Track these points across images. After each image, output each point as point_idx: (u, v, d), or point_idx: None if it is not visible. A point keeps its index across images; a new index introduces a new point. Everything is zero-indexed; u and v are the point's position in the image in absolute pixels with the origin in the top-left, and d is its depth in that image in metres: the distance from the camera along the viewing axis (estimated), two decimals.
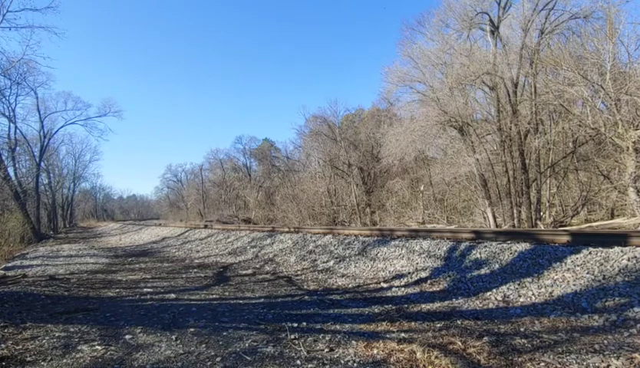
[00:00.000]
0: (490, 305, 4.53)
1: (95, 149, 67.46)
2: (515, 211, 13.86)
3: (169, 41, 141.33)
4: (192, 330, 3.91)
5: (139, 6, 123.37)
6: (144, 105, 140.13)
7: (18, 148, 28.73)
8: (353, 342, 3.38)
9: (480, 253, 5.97)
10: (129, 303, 5.38)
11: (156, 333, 3.83)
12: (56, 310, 4.98)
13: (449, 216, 18.52)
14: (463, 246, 6.44)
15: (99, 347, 3.43)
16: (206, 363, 2.99)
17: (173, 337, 3.66)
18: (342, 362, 2.93)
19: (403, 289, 5.71)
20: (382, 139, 19.59)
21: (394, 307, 4.71)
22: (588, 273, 4.44)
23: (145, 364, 3.00)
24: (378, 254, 7.52)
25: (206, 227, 19.36)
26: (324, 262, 8.18)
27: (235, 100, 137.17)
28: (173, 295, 5.88)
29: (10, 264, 11.52)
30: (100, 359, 3.14)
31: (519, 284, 4.83)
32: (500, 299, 4.65)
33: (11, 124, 27.29)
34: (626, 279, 4.08)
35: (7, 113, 26.56)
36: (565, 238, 5.65)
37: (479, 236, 6.95)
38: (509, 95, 14.17)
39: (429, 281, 5.83)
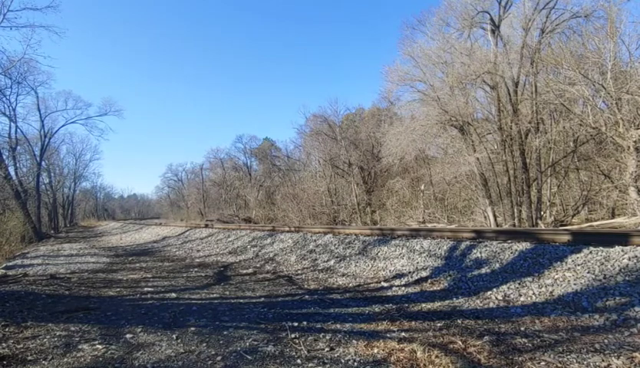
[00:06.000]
0: (491, 304, 4.52)
1: (95, 149, 67.54)
2: (515, 210, 13.85)
3: (169, 41, 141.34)
4: (192, 329, 3.91)
5: (138, 5, 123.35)
6: (144, 104, 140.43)
7: (18, 147, 28.70)
8: (353, 341, 3.38)
9: (480, 252, 5.96)
10: (130, 303, 5.39)
11: (156, 332, 3.84)
12: (57, 309, 4.99)
13: (449, 215, 18.51)
14: (463, 245, 6.43)
15: (100, 346, 3.43)
16: (206, 362, 2.99)
17: (174, 336, 3.66)
18: (342, 361, 2.93)
19: (403, 288, 5.71)
20: (382, 138, 19.57)
21: (394, 307, 4.71)
22: (588, 272, 4.44)
23: (146, 363, 3.01)
24: (379, 254, 7.52)
25: (206, 226, 19.37)
26: (324, 261, 8.18)
27: (236, 100, 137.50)
28: (173, 294, 5.89)
29: (11, 263, 11.54)
30: (100, 358, 3.14)
31: (519, 284, 4.83)
32: (501, 298, 4.65)
33: (12, 123, 27.28)
34: (627, 278, 4.08)
35: (7, 113, 26.54)
36: (565, 238, 5.64)
37: (479, 235, 6.94)
38: (509, 94, 14.14)
39: (429, 281, 5.82)
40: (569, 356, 2.83)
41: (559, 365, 2.71)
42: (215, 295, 5.81)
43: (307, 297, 5.47)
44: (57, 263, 11.20)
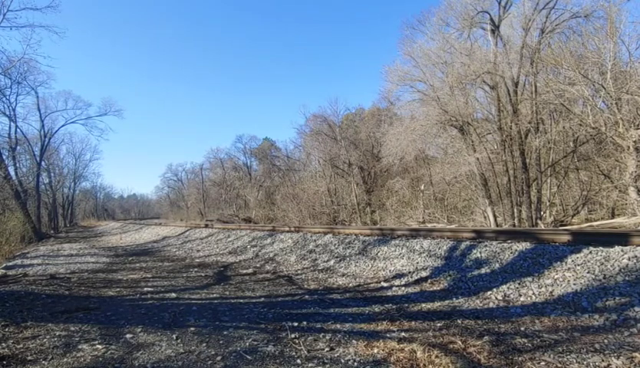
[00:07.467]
0: (491, 304, 4.53)
1: (95, 149, 67.79)
2: (515, 210, 13.85)
3: (169, 41, 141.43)
4: (192, 329, 3.91)
5: (138, 5, 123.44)
6: (144, 104, 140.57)
7: (18, 147, 28.71)
8: (353, 341, 3.38)
9: (480, 252, 5.97)
10: (129, 303, 5.39)
11: (156, 332, 3.84)
12: (57, 309, 4.98)
13: (449, 215, 18.51)
14: (463, 245, 6.44)
15: (100, 346, 3.43)
16: (206, 362, 2.99)
17: (174, 336, 3.66)
18: (342, 361, 2.93)
19: (403, 288, 5.71)
20: (382, 138, 19.58)
21: (394, 307, 4.71)
22: (588, 272, 4.44)
23: (146, 363, 3.01)
24: (379, 254, 7.52)
25: (206, 226, 19.37)
26: (324, 261, 8.18)
27: (236, 100, 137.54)
28: (173, 294, 5.89)
29: (11, 263, 11.53)
30: (100, 358, 3.14)
31: (519, 284, 4.83)
32: (501, 298, 4.65)
33: (12, 123, 27.27)
34: (627, 278, 4.08)
35: (7, 112, 26.54)
36: (565, 238, 5.64)
37: (479, 235, 6.94)
38: (509, 94, 14.14)
39: (429, 281, 5.82)
40: (568, 356, 2.84)
41: (559, 365, 2.72)
42: (215, 295, 5.81)
43: (307, 297, 5.47)
44: (57, 263, 11.20)
